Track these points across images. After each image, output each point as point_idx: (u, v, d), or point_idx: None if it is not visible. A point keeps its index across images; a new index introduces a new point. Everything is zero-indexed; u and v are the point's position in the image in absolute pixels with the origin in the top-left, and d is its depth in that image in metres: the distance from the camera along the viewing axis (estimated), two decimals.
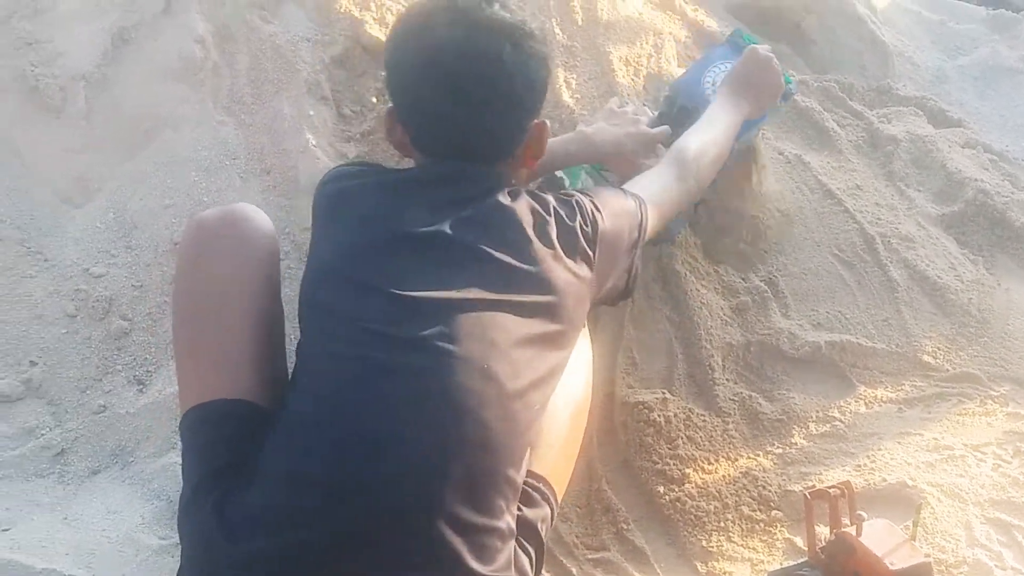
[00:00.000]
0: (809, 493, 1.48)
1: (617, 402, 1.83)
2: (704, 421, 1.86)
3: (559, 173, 1.79)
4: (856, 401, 1.99)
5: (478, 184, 1.29)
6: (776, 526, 1.75)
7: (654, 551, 1.70)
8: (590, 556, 1.67)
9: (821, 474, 1.82)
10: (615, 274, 1.38)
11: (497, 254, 1.22)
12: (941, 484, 1.79)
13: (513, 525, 1.20)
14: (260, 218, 1.33)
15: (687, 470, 1.78)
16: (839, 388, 2.02)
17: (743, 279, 2.07)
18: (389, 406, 1.14)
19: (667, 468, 1.78)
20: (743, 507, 1.77)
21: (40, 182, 1.88)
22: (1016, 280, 2.31)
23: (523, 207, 1.27)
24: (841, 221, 2.25)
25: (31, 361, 1.73)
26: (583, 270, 1.29)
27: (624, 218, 1.38)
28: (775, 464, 1.85)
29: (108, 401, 1.70)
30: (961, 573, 1.63)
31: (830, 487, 1.47)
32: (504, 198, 1.27)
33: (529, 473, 1.27)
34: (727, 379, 1.94)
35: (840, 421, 1.94)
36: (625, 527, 1.71)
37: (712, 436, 1.85)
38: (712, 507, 1.75)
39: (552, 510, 1.31)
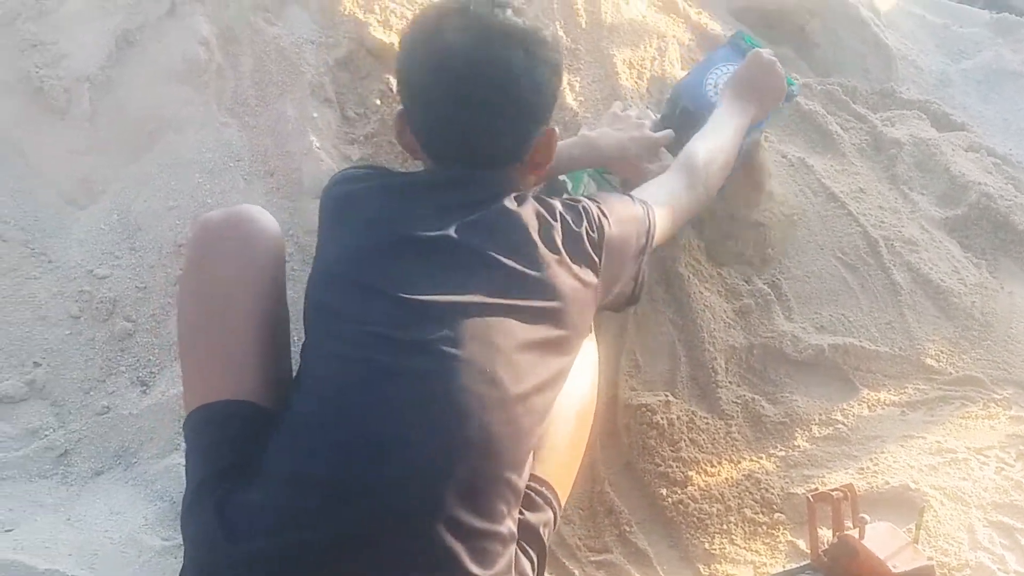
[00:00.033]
0: (812, 496, 1.49)
1: (620, 404, 1.83)
2: (707, 424, 1.86)
3: (562, 177, 1.79)
4: (859, 404, 1.99)
5: (485, 189, 1.28)
6: (779, 529, 1.75)
7: (657, 553, 1.70)
8: (593, 558, 1.67)
9: (824, 477, 1.82)
10: (622, 280, 1.38)
11: (503, 259, 1.22)
12: (944, 487, 1.79)
13: (515, 529, 1.20)
14: (265, 219, 1.33)
15: (690, 472, 1.78)
16: (842, 391, 2.01)
17: (746, 282, 2.06)
18: (393, 409, 1.14)
19: (670, 470, 1.78)
20: (746, 509, 1.77)
21: (44, 183, 1.88)
22: (1019, 284, 2.30)
23: (529, 212, 1.26)
24: (844, 224, 2.24)
25: (35, 362, 1.73)
26: (588, 276, 1.29)
27: (631, 224, 1.38)
28: (778, 467, 1.85)
29: (112, 402, 1.70)
30: None
31: (833, 490, 1.48)
32: (511, 203, 1.27)
33: (532, 477, 1.27)
34: (730, 382, 1.94)
35: (843, 424, 1.94)
36: (628, 529, 1.71)
37: (715, 439, 1.85)
38: (715, 509, 1.75)
39: (555, 514, 1.31)
